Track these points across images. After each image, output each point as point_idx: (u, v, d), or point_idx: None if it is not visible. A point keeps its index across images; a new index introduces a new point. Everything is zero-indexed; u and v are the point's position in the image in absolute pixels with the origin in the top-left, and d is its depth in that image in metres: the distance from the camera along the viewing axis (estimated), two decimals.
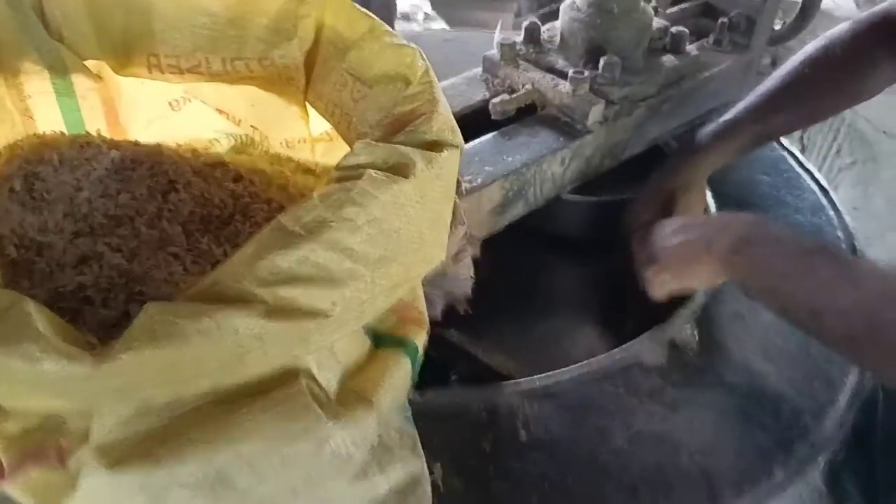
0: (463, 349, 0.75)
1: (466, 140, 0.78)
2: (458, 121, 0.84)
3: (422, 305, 0.53)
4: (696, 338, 0.71)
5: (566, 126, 0.81)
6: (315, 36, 0.55)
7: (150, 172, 0.50)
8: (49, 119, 0.55)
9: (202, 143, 0.63)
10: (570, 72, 0.80)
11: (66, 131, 0.55)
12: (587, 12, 0.82)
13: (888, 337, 0.52)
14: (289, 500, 0.39)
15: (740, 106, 0.81)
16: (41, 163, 0.48)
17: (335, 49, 0.54)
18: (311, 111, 0.60)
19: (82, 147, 0.50)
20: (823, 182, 0.92)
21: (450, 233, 0.63)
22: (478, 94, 0.86)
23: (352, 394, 0.43)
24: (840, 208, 0.88)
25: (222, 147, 0.64)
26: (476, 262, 0.68)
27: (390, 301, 0.43)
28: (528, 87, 0.83)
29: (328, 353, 0.43)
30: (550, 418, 0.62)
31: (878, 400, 0.75)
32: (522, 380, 0.67)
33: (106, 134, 0.58)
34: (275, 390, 0.39)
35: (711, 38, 0.97)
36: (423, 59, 0.49)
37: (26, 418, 0.35)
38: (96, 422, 0.35)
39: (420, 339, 0.50)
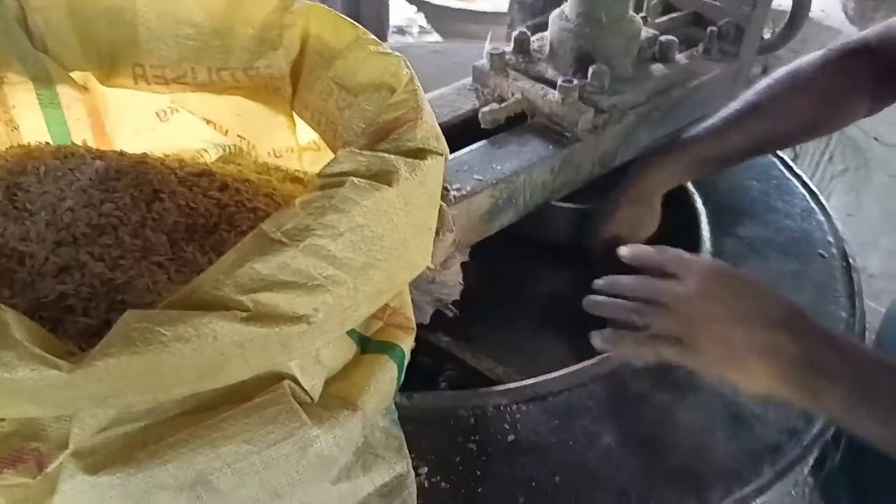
0: (452, 354, 0.75)
1: (456, 149, 0.79)
2: (447, 130, 0.85)
3: (409, 311, 0.53)
4: None
5: (555, 135, 0.81)
6: (300, 45, 0.55)
7: (135, 182, 0.50)
8: (34, 130, 0.55)
9: (190, 154, 0.63)
10: (560, 80, 0.80)
11: (51, 142, 0.55)
12: (576, 21, 0.83)
13: None
14: (271, 502, 0.39)
15: (701, 125, 0.80)
16: (24, 173, 0.48)
17: (321, 58, 0.54)
18: (298, 121, 0.60)
19: (66, 157, 0.50)
20: (813, 187, 0.92)
21: (438, 240, 0.64)
22: (467, 104, 0.87)
23: (336, 398, 0.43)
24: (830, 213, 0.88)
25: (210, 157, 0.64)
26: (465, 268, 0.68)
27: (374, 307, 0.43)
28: (518, 96, 0.84)
29: (312, 359, 0.43)
30: (538, 421, 0.63)
31: None
32: (511, 384, 0.67)
33: (93, 145, 0.58)
34: (258, 395, 0.40)
35: (701, 47, 0.97)
36: (408, 68, 0.49)
37: (4, 424, 0.34)
38: (76, 427, 0.35)
39: (406, 344, 0.50)
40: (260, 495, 0.39)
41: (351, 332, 0.48)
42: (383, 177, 0.40)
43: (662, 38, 0.90)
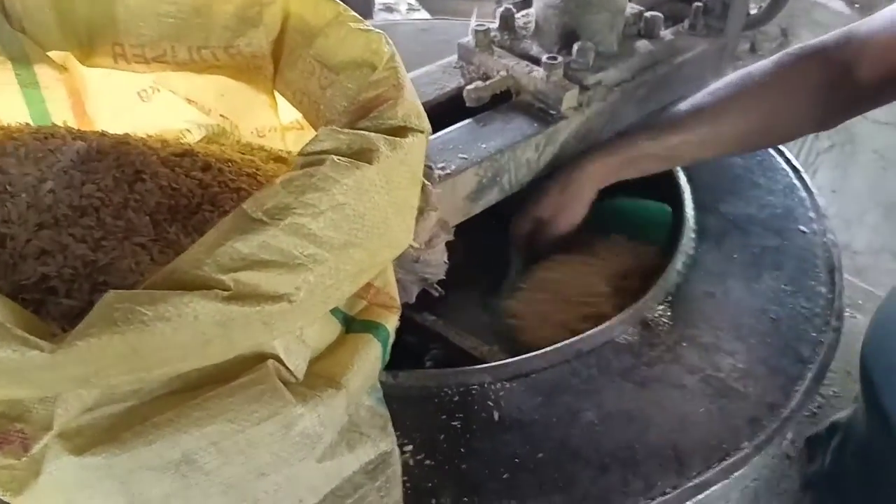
0: (437, 333, 0.75)
1: (441, 127, 0.79)
2: (432, 108, 0.85)
3: (393, 290, 0.53)
4: (668, 316, 0.72)
5: (540, 112, 0.81)
6: (281, 23, 0.55)
7: (117, 163, 0.50)
8: (14, 110, 0.54)
9: (173, 134, 0.63)
10: (544, 58, 0.80)
11: (31, 123, 0.55)
12: None
13: None
14: (257, 480, 0.39)
15: (645, 123, 0.80)
16: (4, 155, 0.48)
17: (302, 36, 0.54)
18: (281, 100, 0.60)
19: (47, 138, 0.50)
20: (796, 163, 0.93)
21: (423, 219, 0.64)
22: (452, 82, 0.86)
23: (321, 377, 0.43)
24: (812, 189, 0.89)
25: (193, 137, 0.64)
26: (450, 247, 0.69)
27: (356, 286, 0.43)
28: (503, 73, 0.84)
29: (296, 339, 0.44)
30: (522, 399, 0.63)
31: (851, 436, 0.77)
32: (495, 362, 0.67)
33: (73, 125, 0.58)
34: (242, 375, 0.40)
35: (686, 23, 0.97)
36: (389, 45, 0.49)
37: None
38: (60, 408, 0.35)
39: (391, 324, 0.51)
40: (245, 474, 0.40)
41: (335, 312, 0.48)
42: (364, 155, 0.40)
43: (648, 14, 0.89)
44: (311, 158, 0.40)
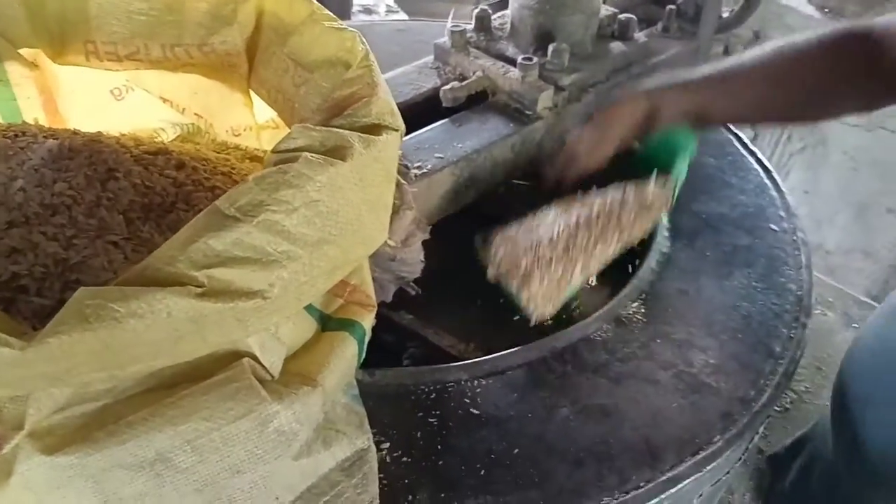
0: (414, 332, 0.76)
1: (418, 127, 0.79)
2: (409, 108, 0.85)
3: (369, 289, 0.53)
4: (642, 313, 0.73)
5: (516, 112, 0.82)
6: (255, 21, 0.55)
7: (89, 161, 0.49)
8: None
9: (147, 133, 0.62)
10: (520, 59, 0.81)
11: (1, 120, 0.54)
12: None
13: None
14: (232, 478, 0.39)
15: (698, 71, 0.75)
16: None
17: (276, 34, 0.54)
18: (256, 99, 0.60)
19: (17, 136, 0.50)
20: (767, 163, 0.95)
21: (399, 217, 0.64)
22: (429, 82, 0.87)
23: (296, 374, 0.44)
24: (783, 189, 0.90)
25: (167, 136, 0.63)
26: (427, 246, 0.69)
27: (330, 283, 0.43)
28: (479, 74, 0.84)
29: (272, 336, 0.44)
30: (498, 395, 0.64)
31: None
32: (472, 360, 0.68)
33: (45, 123, 0.57)
34: (217, 373, 0.40)
35: (660, 25, 0.98)
36: (363, 43, 0.49)
37: None
38: (31, 408, 0.35)
39: (367, 322, 0.51)
40: (220, 472, 0.40)
41: (311, 310, 0.48)
42: (337, 152, 0.40)
43: (622, 16, 0.91)
44: (285, 155, 0.40)
